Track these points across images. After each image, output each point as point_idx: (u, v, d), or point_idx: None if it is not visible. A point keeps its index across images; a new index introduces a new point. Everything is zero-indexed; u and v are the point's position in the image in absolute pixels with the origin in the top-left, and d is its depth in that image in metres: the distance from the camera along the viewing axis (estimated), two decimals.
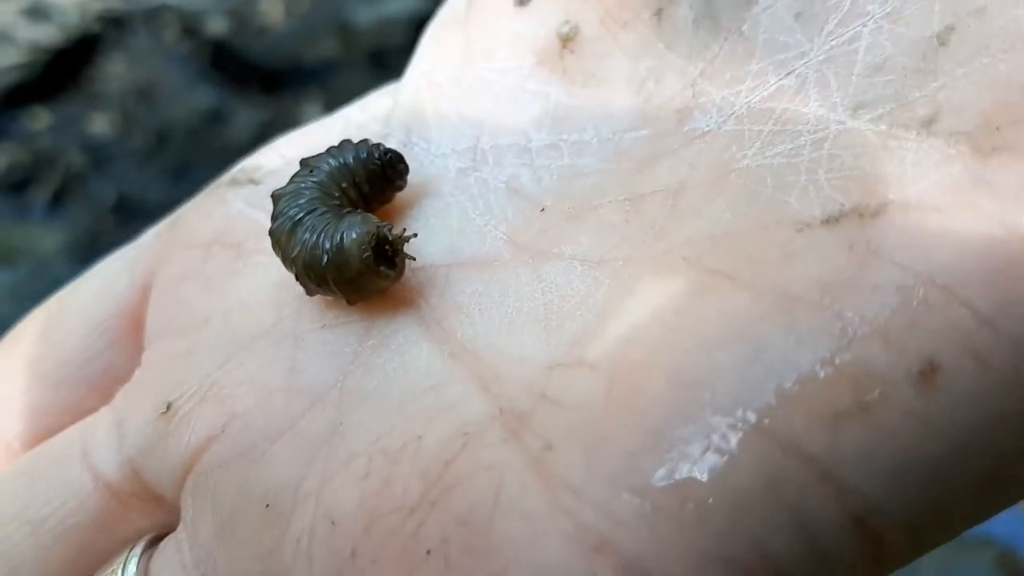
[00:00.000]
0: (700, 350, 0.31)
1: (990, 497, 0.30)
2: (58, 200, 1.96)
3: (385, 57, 2.12)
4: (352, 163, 0.42)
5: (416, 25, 2.08)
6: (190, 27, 2.23)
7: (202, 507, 0.39)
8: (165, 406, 0.41)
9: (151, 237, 0.49)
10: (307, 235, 0.40)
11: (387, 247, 0.39)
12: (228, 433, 0.39)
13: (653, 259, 0.35)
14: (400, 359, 0.38)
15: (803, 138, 0.34)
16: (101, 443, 0.43)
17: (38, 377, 0.47)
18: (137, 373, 0.45)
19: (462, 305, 0.39)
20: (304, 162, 0.44)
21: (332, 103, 2.03)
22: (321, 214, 0.41)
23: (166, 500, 0.42)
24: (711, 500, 0.29)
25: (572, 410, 0.32)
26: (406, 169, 0.43)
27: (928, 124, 0.31)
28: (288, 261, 0.41)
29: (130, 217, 1.92)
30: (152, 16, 2.25)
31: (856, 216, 0.31)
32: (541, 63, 0.45)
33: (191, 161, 2.01)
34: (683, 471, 0.29)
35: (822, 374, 0.29)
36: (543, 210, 0.41)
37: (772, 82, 0.37)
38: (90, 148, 2.06)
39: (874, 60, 0.34)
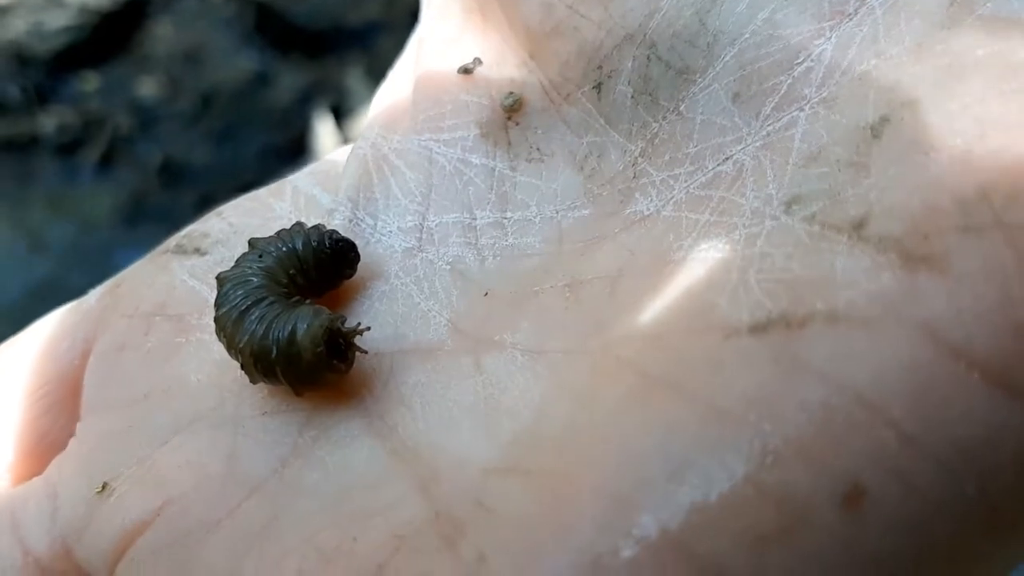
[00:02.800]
0: (629, 463, 0.30)
1: None
2: (106, 162, 1.99)
3: None
4: (301, 250, 0.41)
5: None
6: None
7: None
8: (101, 485, 0.40)
9: (93, 300, 0.47)
10: (255, 326, 0.39)
11: (340, 340, 0.39)
12: (164, 517, 0.38)
13: (590, 355, 0.35)
14: (341, 453, 0.38)
15: (738, 232, 0.33)
16: (32, 517, 0.41)
17: None
18: (72, 444, 0.43)
19: (404, 397, 0.38)
20: (252, 243, 0.43)
21: (374, 68, 2.03)
22: (270, 303, 0.40)
23: None
24: None
25: (506, 520, 0.32)
26: (356, 258, 0.42)
27: (859, 227, 0.30)
28: (234, 349, 0.40)
29: (175, 180, 1.95)
30: None
31: (783, 325, 0.29)
32: (485, 135, 0.44)
33: (235, 124, 2.04)
34: None
35: (746, 495, 0.28)
36: (486, 294, 0.40)
37: (710, 167, 0.36)
38: (137, 111, 2.09)
39: (809, 149, 0.33)
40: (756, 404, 0.29)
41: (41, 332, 0.47)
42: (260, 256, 0.42)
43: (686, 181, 0.37)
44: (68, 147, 2.02)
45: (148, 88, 2.14)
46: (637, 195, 0.39)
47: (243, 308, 0.40)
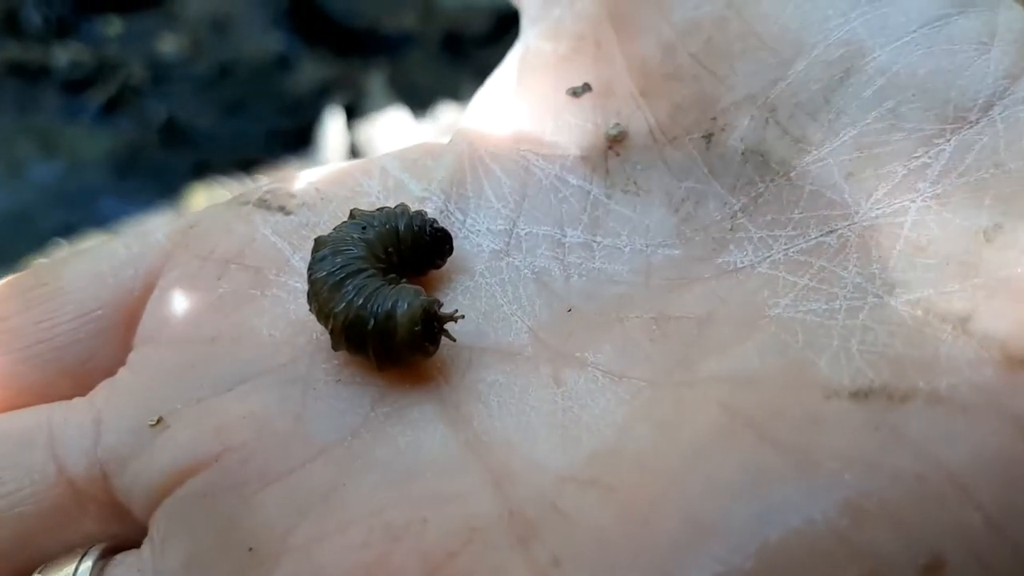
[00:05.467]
0: (716, 496, 0.31)
1: None
2: (110, 108, 1.98)
3: (460, 43, 2.13)
4: (403, 231, 0.42)
5: (497, 18, 2.08)
6: None
7: (176, 533, 0.38)
8: (155, 418, 0.40)
9: (161, 236, 0.47)
10: (353, 295, 0.40)
11: (434, 323, 0.39)
12: (220, 464, 0.38)
13: (676, 388, 0.36)
14: (413, 434, 0.38)
15: (839, 302, 0.35)
16: (73, 437, 0.41)
17: (11, 345, 0.44)
18: (123, 373, 0.43)
19: (481, 393, 0.39)
20: (355, 214, 0.43)
21: (397, 77, 2.03)
22: (368, 276, 0.41)
23: (130, 513, 0.40)
24: None
25: (583, 528, 0.33)
26: (451, 250, 0.43)
27: (964, 321, 0.32)
28: (325, 315, 0.40)
29: (175, 140, 1.93)
30: None
31: (885, 396, 0.31)
32: (585, 159, 0.46)
33: (247, 100, 2.03)
34: None
35: (828, 546, 0.29)
36: (570, 311, 0.41)
37: (813, 236, 0.38)
38: (153, 65, 2.08)
39: (918, 239, 0.35)
40: (852, 464, 0.30)
41: (101, 254, 0.46)
42: (363, 228, 0.42)
43: (786, 244, 0.39)
44: (76, 85, 2.01)
45: (169, 45, 2.13)
46: (732, 247, 0.40)
47: (341, 276, 0.40)
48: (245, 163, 1.87)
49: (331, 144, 1.91)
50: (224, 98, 2.03)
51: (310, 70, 2.09)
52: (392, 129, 1.94)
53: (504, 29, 2.03)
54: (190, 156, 1.90)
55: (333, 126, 1.94)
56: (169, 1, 2.21)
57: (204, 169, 1.86)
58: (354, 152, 1.91)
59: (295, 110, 2.00)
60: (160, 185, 1.82)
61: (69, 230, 1.72)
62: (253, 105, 2.02)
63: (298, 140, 1.94)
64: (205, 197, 1.81)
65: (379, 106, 1.98)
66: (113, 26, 2.13)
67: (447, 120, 1.97)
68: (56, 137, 1.91)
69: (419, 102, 1.99)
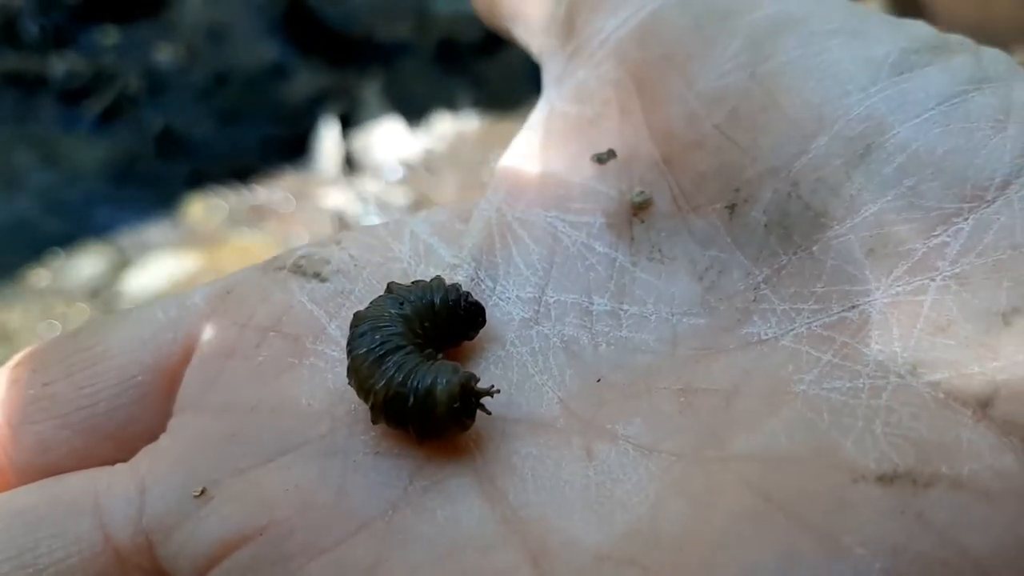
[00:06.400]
0: None
1: None
2: (107, 118, 1.98)
3: (453, 51, 2.14)
4: (438, 305, 0.43)
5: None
6: None
7: None
8: (200, 489, 0.40)
9: (199, 300, 0.47)
10: (394, 372, 0.40)
11: (472, 398, 0.40)
12: (267, 536, 0.38)
13: (706, 465, 0.36)
14: (452, 508, 0.38)
15: (862, 380, 0.35)
16: (118, 504, 0.41)
17: (54, 411, 0.44)
18: (165, 440, 0.43)
19: (516, 466, 0.39)
20: (391, 288, 0.44)
21: (392, 87, 2.04)
22: (407, 353, 0.41)
23: None
24: None
25: None
26: (483, 323, 0.44)
27: (984, 405, 0.32)
28: (366, 391, 0.41)
29: (171, 149, 1.94)
30: None
31: (910, 481, 0.31)
32: (611, 226, 0.46)
33: (243, 109, 2.04)
34: None
35: None
36: (599, 381, 0.42)
37: (835, 311, 0.38)
38: (150, 74, 2.08)
39: (938, 319, 0.35)
40: (880, 552, 0.30)
41: (141, 319, 0.47)
42: (401, 304, 0.43)
43: (809, 317, 0.39)
44: (73, 94, 2.01)
45: (165, 54, 2.14)
46: (755, 318, 0.41)
47: (381, 353, 0.41)
48: (240, 172, 1.88)
49: (326, 153, 1.92)
50: (220, 107, 2.04)
51: (305, 79, 2.09)
52: (387, 138, 1.95)
53: (498, 39, 2.04)
54: (185, 165, 1.90)
55: (328, 135, 1.95)
56: (165, 10, 2.22)
57: (200, 178, 1.86)
58: (349, 161, 1.92)
59: (291, 119, 2.01)
60: (157, 194, 1.83)
61: (67, 239, 1.72)
62: (248, 114, 2.03)
63: (293, 149, 1.94)
64: (202, 207, 1.82)
65: (374, 115, 1.99)
66: (110, 36, 2.13)
67: (441, 129, 1.98)
68: (54, 146, 1.91)
69: (414, 111, 1.99)
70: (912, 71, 0.41)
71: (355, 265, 0.47)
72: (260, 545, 0.38)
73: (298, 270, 0.47)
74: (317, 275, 0.47)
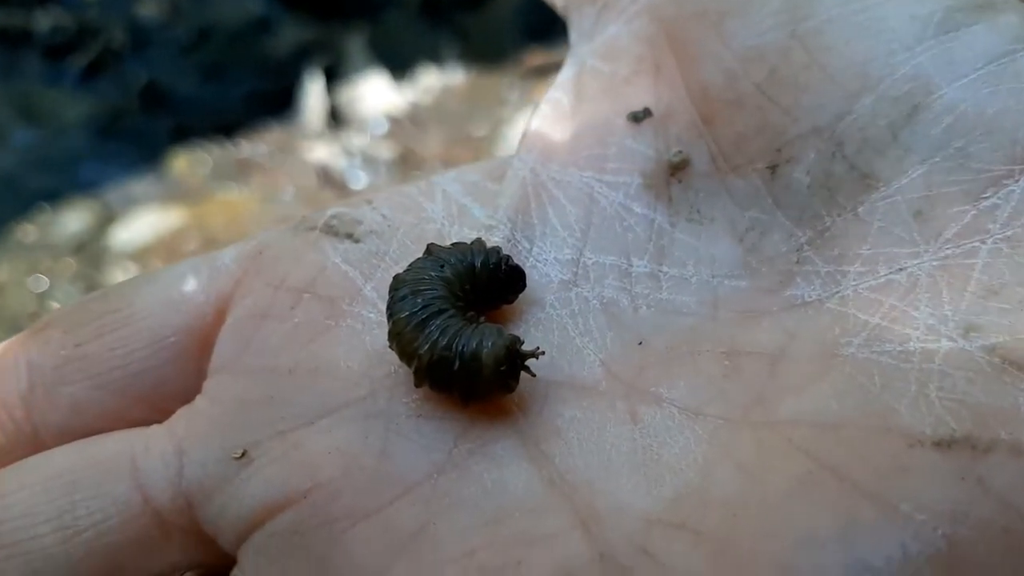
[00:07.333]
0: (807, 546, 0.31)
1: None
2: (91, 72, 1.97)
3: (439, 3, 2.12)
4: (479, 268, 0.43)
5: None
6: None
7: (267, 570, 0.38)
8: (240, 451, 0.40)
9: (230, 261, 0.47)
10: (437, 335, 0.40)
11: (517, 360, 0.40)
12: (310, 500, 0.38)
13: (755, 429, 0.36)
14: (498, 472, 0.38)
15: (912, 344, 0.35)
16: (156, 467, 0.41)
17: (88, 371, 0.44)
18: (202, 402, 0.43)
19: (560, 430, 0.39)
20: (431, 250, 0.44)
21: (376, 40, 2.03)
22: (450, 316, 0.41)
23: (214, 543, 0.41)
24: None
25: (676, 574, 0.33)
26: (523, 287, 0.44)
27: None
28: (409, 355, 0.40)
29: (156, 104, 1.93)
30: None
31: (968, 446, 0.31)
32: (648, 186, 0.46)
33: (227, 63, 2.02)
34: None
35: None
36: (640, 343, 0.41)
37: (882, 273, 0.38)
38: (134, 29, 2.06)
39: (990, 282, 0.35)
40: (941, 517, 0.30)
41: (171, 280, 0.46)
42: (441, 266, 0.42)
43: (855, 280, 0.39)
44: (57, 49, 1.99)
45: (149, 9, 2.11)
46: (799, 280, 0.40)
47: (424, 316, 0.41)
48: (224, 127, 1.88)
49: (311, 107, 1.92)
50: (204, 62, 2.02)
51: (290, 33, 2.08)
52: (372, 92, 1.95)
53: None
54: (169, 120, 1.89)
55: (313, 89, 1.94)
56: None
57: (184, 133, 1.86)
58: (334, 115, 1.92)
59: (275, 73, 1.99)
60: (141, 149, 1.82)
61: (52, 195, 1.71)
62: (232, 69, 2.02)
63: (278, 103, 1.93)
64: (187, 161, 1.82)
65: (359, 69, 1.98)
66: None
67: (427, 82, 1.98)
68: (38, 102, 1.90)
69: (399, 64, 1.98)
70: (958, 30, 0.40)
71: (388, 226, 0.47)
72: (304, 508, 0.38)
73: (330, 230, 0.46)
74: (350, 235, 0.46)
